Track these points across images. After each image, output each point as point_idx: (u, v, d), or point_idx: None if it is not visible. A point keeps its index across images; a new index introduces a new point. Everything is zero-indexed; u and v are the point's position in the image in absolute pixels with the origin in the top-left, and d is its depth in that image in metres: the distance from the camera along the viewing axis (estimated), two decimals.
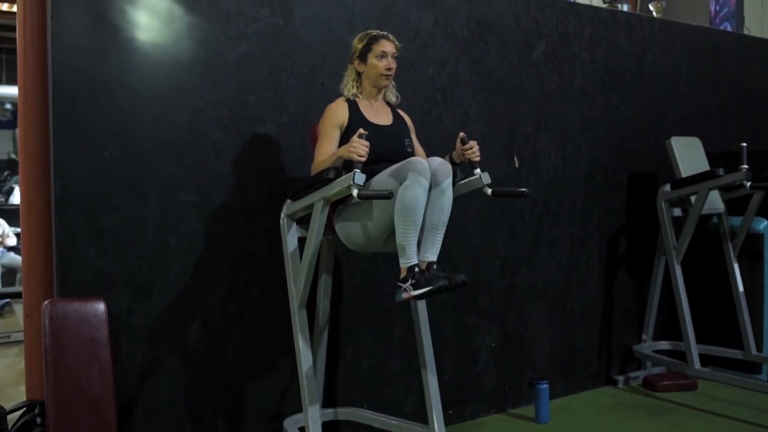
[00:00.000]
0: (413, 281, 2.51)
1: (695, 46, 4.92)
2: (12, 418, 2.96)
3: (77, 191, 2.80)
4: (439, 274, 2.54)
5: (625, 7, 4.84)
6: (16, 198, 8.74)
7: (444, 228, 2.65)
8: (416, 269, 2.55)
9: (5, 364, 5.25)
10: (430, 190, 2.58)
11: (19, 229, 7.12)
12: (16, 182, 9.15)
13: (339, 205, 2.82)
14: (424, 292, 2.48)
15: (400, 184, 2.52)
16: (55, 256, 2.81)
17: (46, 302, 2.70)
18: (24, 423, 2.79)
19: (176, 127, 3.00)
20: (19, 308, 6.17)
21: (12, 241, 7.10)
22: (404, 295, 2.54)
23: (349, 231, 2.77)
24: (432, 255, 2.63)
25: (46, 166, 2.97)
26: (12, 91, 9.88)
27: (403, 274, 2.57)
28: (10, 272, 7.18)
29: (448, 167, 2.65)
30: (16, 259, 7.04)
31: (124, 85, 2.89)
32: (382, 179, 2.61)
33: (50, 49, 2.79)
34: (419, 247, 2.62)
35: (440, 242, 2.65)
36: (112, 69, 2.87)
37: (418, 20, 3.64)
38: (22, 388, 4.39)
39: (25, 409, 2.91)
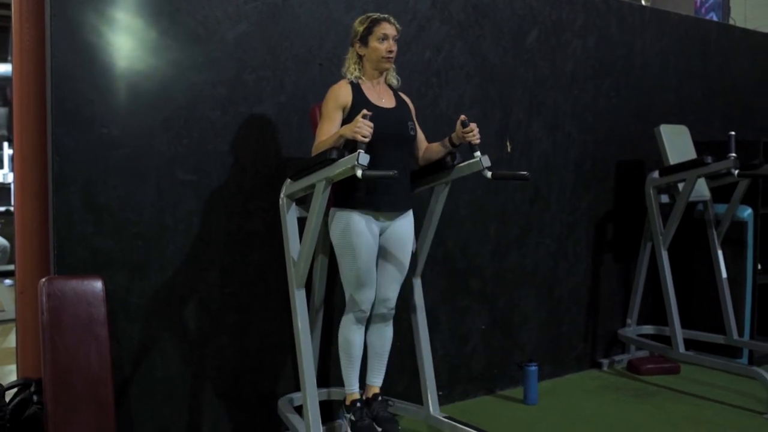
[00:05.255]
0: (353, 418, 2.87)
1: (683, 36, 4.98)
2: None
3: (75, 169, 2.78)
4: (379, 414, 2.87)
5: None
6: None
7: (387, 355, 3.01)
8: (358, 404, 2.90)
9: None
10: (375, 322, 2.95)
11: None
12: None
13: (338, 191, 2.83)
14: None
15: (353, 290, 2.84)
16: (53, 233, 2.78)
17: (43, 280, 2.68)
18: (20, 401, 2.77)
19: (174, 105, 2.98)
20: (2, 288, 6.09)
21: None
22: (345, 423, 2.94)
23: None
24: (377, 381, 3.00)
25: (42, 143, 2.94)
26: None
27: (347, 402, 2.94)
28: None
29: (392, 304, 2.95)
30: None
31: (123, 63, 2.87)
32: (357, 266, 2.81)
33: (48, 26, 2.75)
34: (367, 372, 3.00)
35: (384, 368, 3.01)
36: (111, 47, 2.84)
37: (415, 2, 3.64)
38: (8, 368, 4.37)
39: (19, 387, 2.89)
